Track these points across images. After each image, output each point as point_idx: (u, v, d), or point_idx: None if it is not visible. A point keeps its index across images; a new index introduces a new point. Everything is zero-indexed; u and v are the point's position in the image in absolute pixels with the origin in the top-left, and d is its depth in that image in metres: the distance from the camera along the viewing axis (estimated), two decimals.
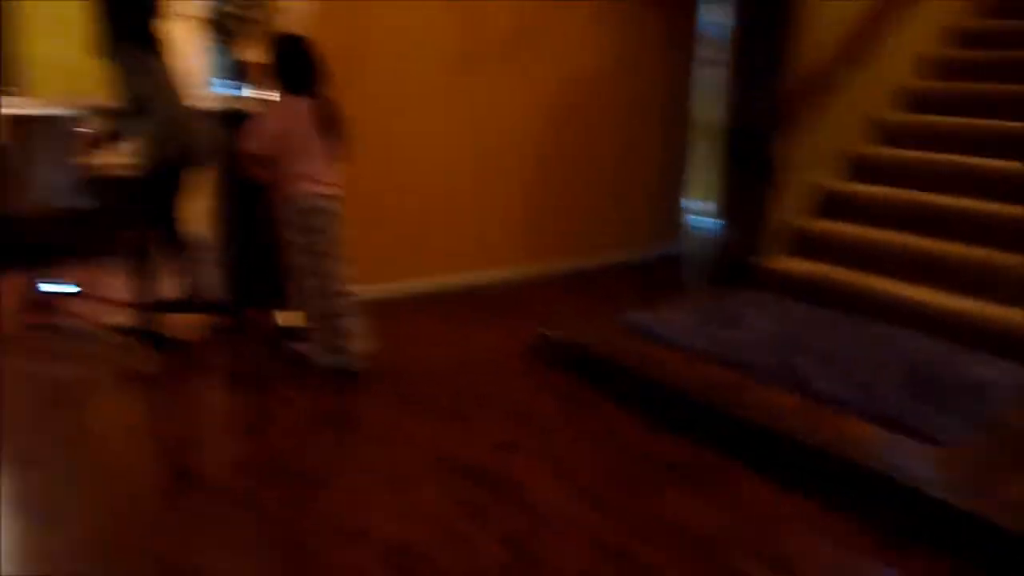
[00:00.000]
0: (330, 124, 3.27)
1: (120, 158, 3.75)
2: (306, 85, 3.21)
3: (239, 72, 3.86)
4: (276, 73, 3.24)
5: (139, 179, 3.56)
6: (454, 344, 3.94)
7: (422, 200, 4.54)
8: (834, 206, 4.53)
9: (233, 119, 3.64)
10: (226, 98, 3.88)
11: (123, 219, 3.79)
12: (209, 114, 3.76)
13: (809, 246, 4.40)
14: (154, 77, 3.44)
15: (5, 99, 4.59)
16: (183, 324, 3.85)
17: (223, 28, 3.91)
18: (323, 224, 3.27)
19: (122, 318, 3.77)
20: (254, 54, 3.46)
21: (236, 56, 3.92)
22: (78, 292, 4.16)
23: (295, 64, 3.21)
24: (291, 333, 3.60)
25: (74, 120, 3.97)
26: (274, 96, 3.28)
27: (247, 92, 3.71)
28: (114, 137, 3.83)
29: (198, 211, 4.55)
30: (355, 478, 2.69)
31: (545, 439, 3.02)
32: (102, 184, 4.07)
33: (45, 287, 4.06)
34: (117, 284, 3.85)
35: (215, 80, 4.06)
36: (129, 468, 2.77)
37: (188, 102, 3.62)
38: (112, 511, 2.46)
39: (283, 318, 3.71)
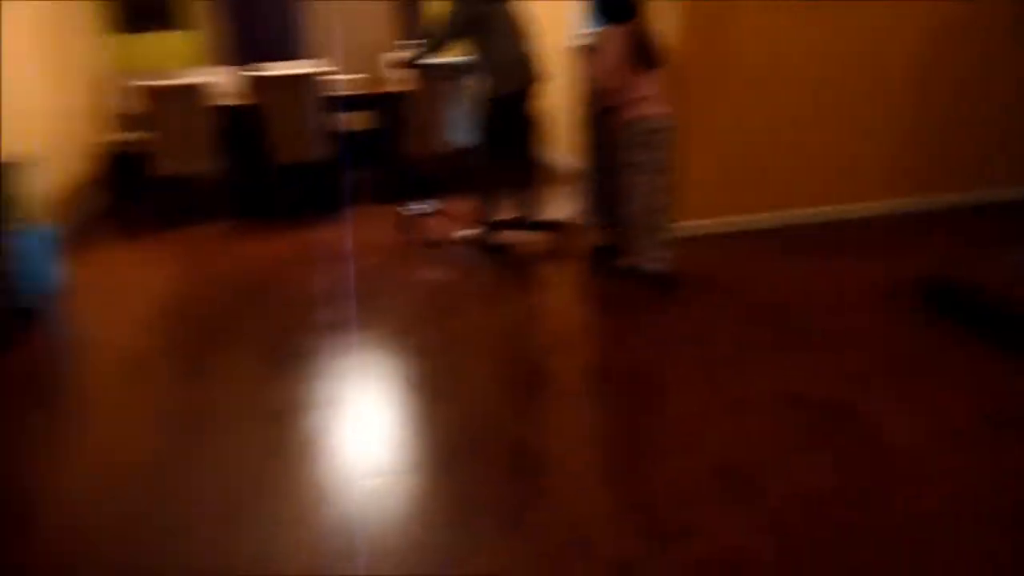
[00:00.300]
0: (651, 49, 3.52)
1: (482, 97, 4.25)
2: (627, 15, 3.49)
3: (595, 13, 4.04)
4: (600, 7, 3.57)
5: (489, 114, 4.11)
6: (816, 278, 3.70)
7: (787, 128, 4.28)
8: None
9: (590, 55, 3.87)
10: (585, 37, 4.10)
11: (480, 151, 4.28)
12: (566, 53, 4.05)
13: None
14: (493, 22, 3.98)
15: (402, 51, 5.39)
16: (531, 240, 4.33)
17: None
18: (658, 143, 3.53)
19: (475, 235, 4.34)
20: None
21: None
22: (441, 214, 4.81)
23: None
24: (618, 249, 3.85)
25: (455, 67, 4.55)
26: (605, 30, 3.56)
27: (597, 30, 3.89)
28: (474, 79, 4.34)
29: (559, 140, 4.94)
30: (696, 395, 2.76)
31: (904, 378, 2.76)
32: (473, 122, 4.64)
33: (416, 211, 4.79)
34: (475, 207, 4.37)
35: (582, 21, 4.30)
36: (494, 361, 3.17)
37: (529, 43, 4.09)
38: (482, 396, 2.86)
39: (611, 235, 3.94)
